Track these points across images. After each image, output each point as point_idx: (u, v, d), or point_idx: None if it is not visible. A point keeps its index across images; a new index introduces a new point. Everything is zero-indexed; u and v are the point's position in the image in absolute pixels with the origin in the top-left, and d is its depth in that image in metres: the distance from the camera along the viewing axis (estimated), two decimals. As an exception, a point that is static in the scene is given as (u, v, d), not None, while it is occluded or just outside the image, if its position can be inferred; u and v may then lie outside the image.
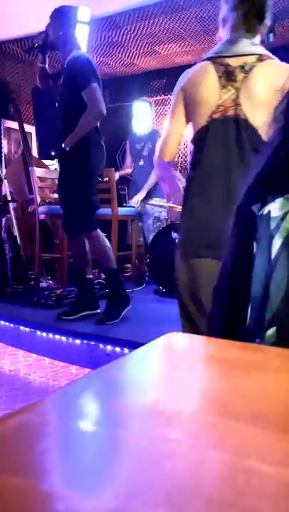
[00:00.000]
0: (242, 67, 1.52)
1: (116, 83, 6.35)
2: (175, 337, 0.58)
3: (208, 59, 1.60)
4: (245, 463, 0.28)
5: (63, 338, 2.91)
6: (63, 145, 2.92)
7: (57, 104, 3.13)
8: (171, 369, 0.47)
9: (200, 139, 1.52)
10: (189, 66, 1.70)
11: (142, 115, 4.72)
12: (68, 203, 3.06)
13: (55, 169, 5.01)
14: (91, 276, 3.33)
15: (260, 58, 1.55)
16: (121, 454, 0.30)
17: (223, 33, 1.63)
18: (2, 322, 3.31)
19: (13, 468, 0.28)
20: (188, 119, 1.60)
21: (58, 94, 3.10)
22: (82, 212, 2.97)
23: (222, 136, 1.49)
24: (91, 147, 2.93)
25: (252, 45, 1.57)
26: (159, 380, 0.44)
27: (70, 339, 2.88)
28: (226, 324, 0.69)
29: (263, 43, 2.90)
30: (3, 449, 0.31)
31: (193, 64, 1.72)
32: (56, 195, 4.46)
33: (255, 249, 0.63)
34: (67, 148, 2.91)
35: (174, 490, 0.26)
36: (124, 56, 5.46)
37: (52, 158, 4.87)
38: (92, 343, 2.79)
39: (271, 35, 4.55)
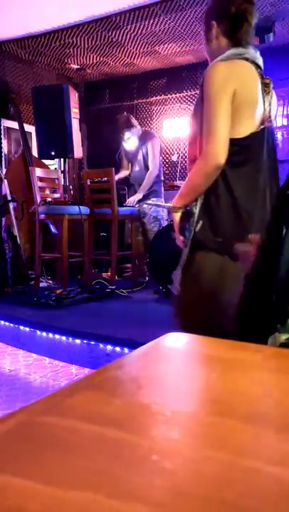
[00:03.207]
0: (270, 82, 1.56)
1: (116, 83, 6.35)
2: (175, 337, 0.58)
3: (246, 59, 1.49)
4: (245, 463, 0.28)
5: (63, 338, 2.91)
6: None
7: None
8: (171, 369, 0.47)
9: (249, 144, 1.47)
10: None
11: (129, 141, 4.66)
12: None
13: (55, 169, 5.01)
14: None
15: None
16: (121, 454, 0.30)
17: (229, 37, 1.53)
18: (2, 322, 3.31)
19: (13, 468, 0.28)
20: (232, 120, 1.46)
21: None
22: None
23: (265, 143, 1.50)
24: None
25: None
26: (159, 380, 0.44)
27: (70, 339, 2.88)
28: (250, 310, 0.70)
29: (262, 42, 2.90)
30: (3, 449, 0.31)
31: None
32: (56, 195, 4.47)
33: (284, 233, 0.64)
34: None
35: (174, 490, 0.26)
36: (124, 56, 5.46)
37: (52, 158, 4.88)
38: (92, 343, 2.79)
39: (271, 35, 4.56)
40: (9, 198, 4.09)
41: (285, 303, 0.61)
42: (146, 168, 4.60)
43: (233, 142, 1.44)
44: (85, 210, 4.24)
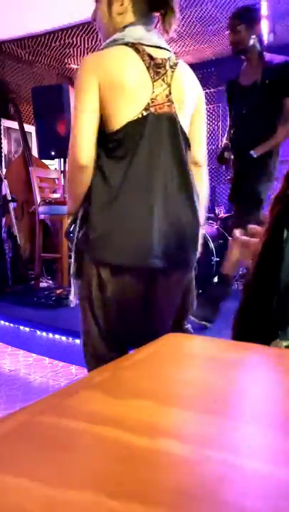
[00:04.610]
0: (167, 61, 1.37)
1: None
2: (175, 337, 0.58)
3: (126, 44, 1.33)
4: (245, 463, 0.28)
5: (63, 338, 2.91)
6: (252, 152, 2.71)
7: (244, 106, 2.82)
8: (171, 369, 0.47)
9: (127, 134, 1.31)
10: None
11: None
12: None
13: (55, 169, 5.01)
14: None
15: (175, 56, 1.43)
16: (121, 454, 0.30)
17: (118, 14, 1.38)
18: (2, 322, 3.31)
19: (13, 468, 0.28)
20: (103, 111, 1.32)
21: (250, 94, 2.79)
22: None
23: (155, 134, 1.33)
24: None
25: (162, 38, 1.42)
26: (159, 380, 0.44)
27: (70, 339, 2.88)
28: (250, 318, 0.69)
29: (262, 42, 2.89)
30: (3, 449, 0.31)
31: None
32: (56, 195, 4.47)
33: (285, 236, 0.63)
34: (255, 156, 2.71)
35: (174, 490, 0.26)
36: (124, 56, 5.46)
37: (52, 158, 4.88)
38: (92, 343, 2.79)
39: (271, 35, 4.56)
40: (9, 198, 4.09)
41: (286, 309, 0.60)
42: None
43: (109, 137, 1.31)
44: (85, 210, 4.24)
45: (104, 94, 1.29)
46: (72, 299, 1.46)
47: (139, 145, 1.31)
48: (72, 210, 1.40)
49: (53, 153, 4.65)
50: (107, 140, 1.31)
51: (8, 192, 4.09)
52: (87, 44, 5.10)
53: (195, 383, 0.43)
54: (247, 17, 2.69)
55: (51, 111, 4.55)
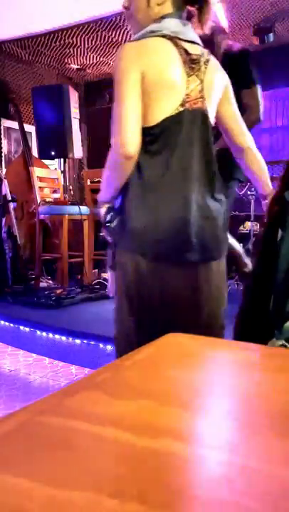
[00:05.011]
0: (201, 57, 1.37)
1: (116, 83, 6.34)
2: (175, 337, 0.58)
3: (163, 36, 1.34)
4: (245, 463, 0.28)
5: (63, 338, 2.91)
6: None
7: None
8: (171, 369, 0.47)
9: (164, 130, 1.32)
10: None
11: None
12: None
13: (55, 169, 5.01)
14: None
15: (207, 51, 1.42)
16: (121, 454, 0.30)
17: (156, 6, 1.37)
18: (2, 322, 3.31)
19: (13, 468, 0.28)
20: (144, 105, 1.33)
21: None
22: None
23: (190, 130, 1.34)
24: None
25: (195, 33, 1.41)
26: (159, 380, 0.44)
27: (70, 339, 2.88)
28: (248, 318, 0.69)
29: (262, 42, 2.88)
30: (3, 449, 0.31)
31: None
32: (56, 195, 4.47)
33: (279, 237, 0.63)
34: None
35: (174, 490, 0.26)
36: (124, 56, 5.46)
37: (52, 158, 4.88)
38: (92, 343, 2.79)
39: (271, 35, 4.56)
40: (9, 198, 4.09)
41: (282, 307, 0.60)
42: None
43: (145, 131, 1.31)
44: (85, 210, 4.24)
45: (145, 84, 1.30)
46: (110, 290, 1.47)
47: (176, 141, 1.33)
48: (108, 200, 1.41)
49: (53, 153, 4.65)
50: (143, 133, 1.31)
51: (8, 192, 4.09)
52: (87, 44, 5.10)
53: (195, 383, 0.43)
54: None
55: (51, 111, 4.56)
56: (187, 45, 1.36)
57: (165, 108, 1.32)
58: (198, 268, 1.37)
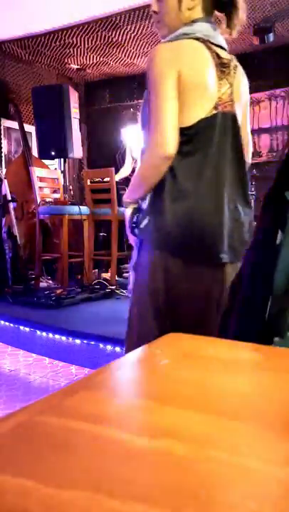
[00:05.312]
0: (231, 61, 1.40)
1: (116, 83, 6.35)
2: (175, 337, 0.58)
3: (196, 39, 1.34)
4: (245, 463, 0.28)
5: (63, 338, 2.91)
6: None
7: None
8: (171, 369, 0.47)
9: (198, 132, 1.32)
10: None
11: (135, 141, 4.55)
12: None
13: (55, 169, 5.01)
14: None
15: (234, 57, 1.45)
16: (121, 454, 0.30)
17: (187, 9, 1.36)
18: (2, 322, 3.31)
19: (13, 468, 0.28)
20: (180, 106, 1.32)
21: None
22: None
23: (223, 132, 1.35)
24: None
25: (223, 39, 1.42)
26: (159, 380, 0.44)
27: (70, 339, 2.88)
28: (242, 321, 0.68)
29: (262, 42, 2.89)
30: (3, 449, 0.31)
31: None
32: (56, 195, 4.47)
33: (279, 239, 0.61)
34: None
35: (174, 490, 0.25)
36: (124, 56, 5.46)
37: (52, 158, 4.88)
38: (92, 343, 2.79)
39: (271, 35, 4.56)
40: (9, 198, 4.09)
41: (282, 314, 0.59)
42: None
43: (180, 132, 1.31)
44: (85, 210, 4.24)
45: (181, 85, 1.30)
46: (129, 290, 1.47)
47: (210, 143, 1.33)
48: (136, 200, 1.42)
49: (53, 153, 4.65)
50: None
51: (8, 192, 4.09)
52: (87, 44, 5.10)
53: (195, 383, 0.43)
54: None
55: (51, 111, 4.56)
56: (217, 49, 1.37)
57: (200, 110, 1.33)
58: (226, 269, 1.37)
